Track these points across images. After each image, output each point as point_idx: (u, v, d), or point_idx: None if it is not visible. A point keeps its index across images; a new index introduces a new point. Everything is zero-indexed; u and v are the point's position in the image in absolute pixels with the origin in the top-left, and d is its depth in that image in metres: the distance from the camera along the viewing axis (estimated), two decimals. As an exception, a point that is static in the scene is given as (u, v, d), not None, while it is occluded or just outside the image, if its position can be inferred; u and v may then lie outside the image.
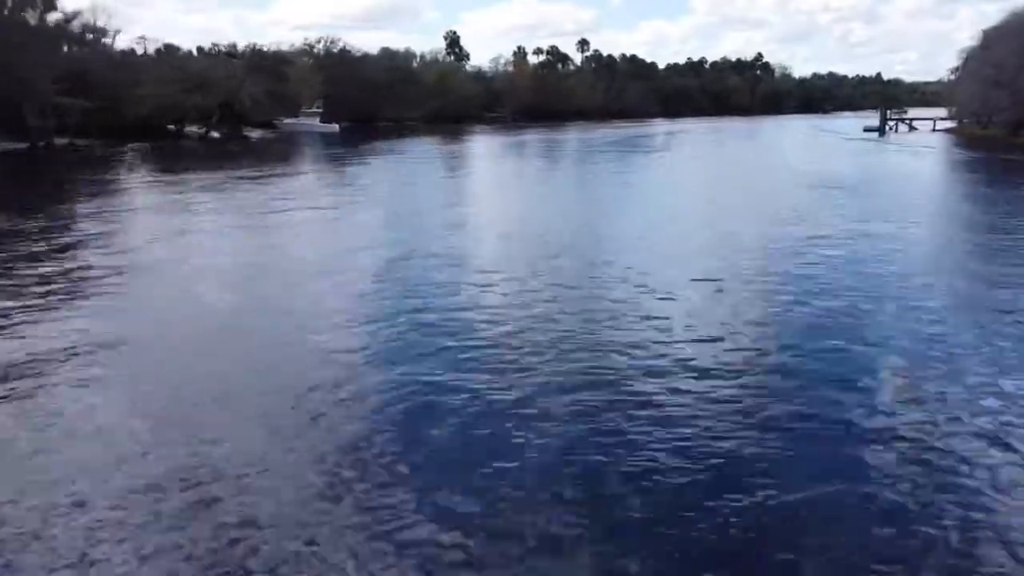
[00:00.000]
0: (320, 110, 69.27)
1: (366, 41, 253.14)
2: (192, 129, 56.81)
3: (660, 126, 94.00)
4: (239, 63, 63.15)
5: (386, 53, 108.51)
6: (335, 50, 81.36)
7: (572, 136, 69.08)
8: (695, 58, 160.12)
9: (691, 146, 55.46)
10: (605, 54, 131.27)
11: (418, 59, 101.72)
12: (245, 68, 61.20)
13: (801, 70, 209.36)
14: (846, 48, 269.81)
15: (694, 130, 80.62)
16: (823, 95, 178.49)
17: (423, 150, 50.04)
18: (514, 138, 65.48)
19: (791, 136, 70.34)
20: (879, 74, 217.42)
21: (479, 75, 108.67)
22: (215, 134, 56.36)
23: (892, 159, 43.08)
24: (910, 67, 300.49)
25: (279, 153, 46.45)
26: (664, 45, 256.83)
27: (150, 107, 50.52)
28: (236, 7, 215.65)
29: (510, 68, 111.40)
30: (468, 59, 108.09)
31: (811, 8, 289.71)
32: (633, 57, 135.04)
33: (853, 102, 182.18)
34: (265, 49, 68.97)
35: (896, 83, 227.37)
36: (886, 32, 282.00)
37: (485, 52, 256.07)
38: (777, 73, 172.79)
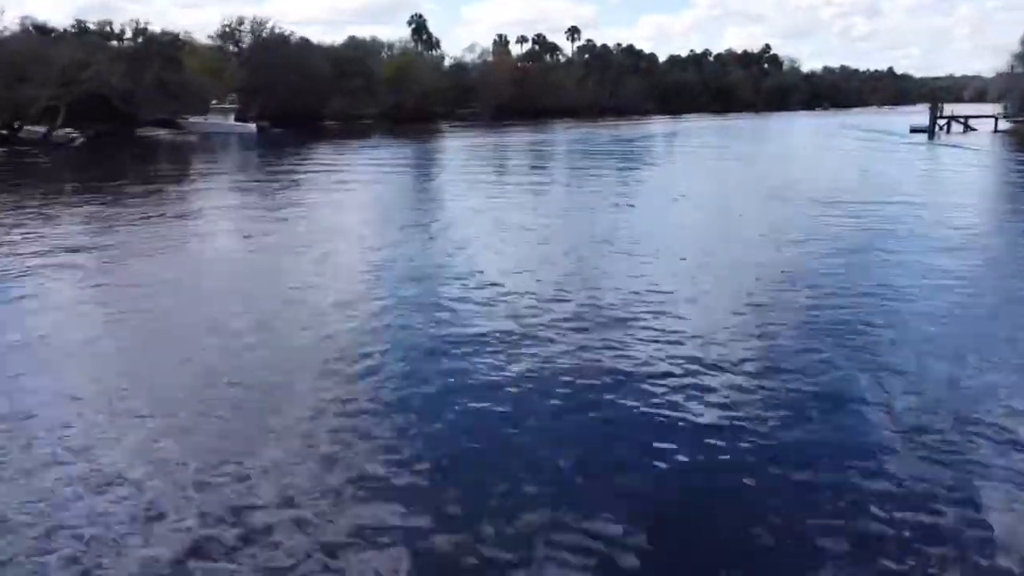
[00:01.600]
0: (236, 106, 56.18)
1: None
2: (34, 129, 43.48)
3: (658, 125, 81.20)
4: (121, 48, 49.96)
5: (351, 42, 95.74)
6: (263, 34, 67.55)
7: (551, 137, 56.19)
8: (698, 51, 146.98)
9: (708, 155, 42.05)
10: (599, 44, 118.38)
11: (386, 49, 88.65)
12: (124, 54, 48.10)
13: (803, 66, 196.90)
14: (848, 43, 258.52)
15: (699, 130, 67.68)
16: (831, 90, 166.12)
17: (369, 156, 37.35)
18: (476, 139, 52.70)
19: (825, 139, 57.07)
20: (891, 68, 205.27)
21: (457, 66, 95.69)
22: (75, 135, 42.96)
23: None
24: (913, 62, 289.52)
25: (117, 167, 33.12)
26: (665, 41, 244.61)
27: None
28: (234, 3, 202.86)
29: (489, 58, 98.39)
30: (437, 47, 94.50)
31: (812, 3, 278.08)
32: (630, 48, 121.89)
33: (862, 97, 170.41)
34: (154, 30, 55.28)
35: (906, 78, 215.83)
36: (888, 27, 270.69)
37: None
38: (785, 66, 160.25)
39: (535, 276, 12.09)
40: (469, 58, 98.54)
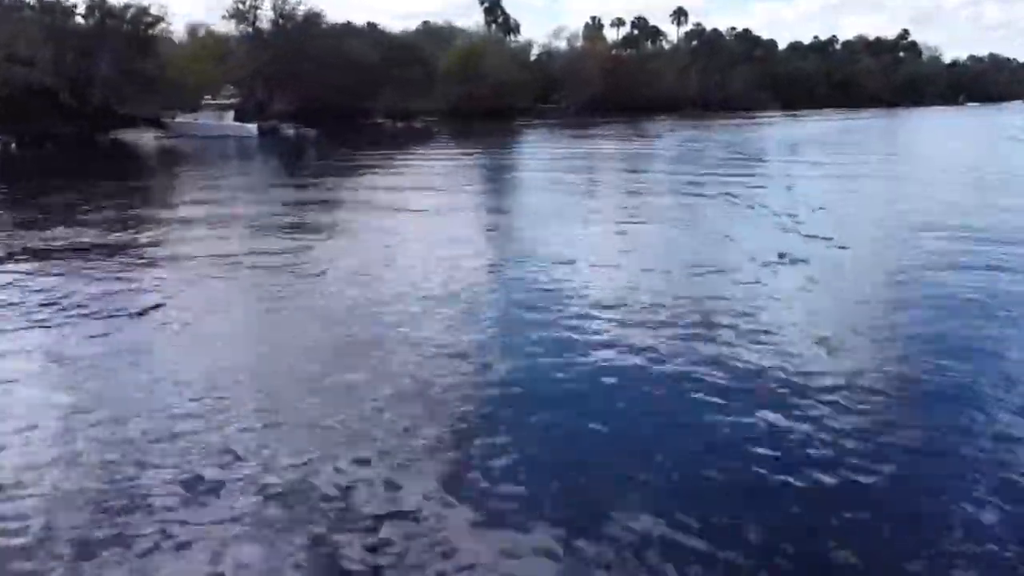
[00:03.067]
0: (234, 101, 45.44)
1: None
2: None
3: (778, 122, 66.63)
4: (74, 27, 39.95)
5: (425, 28, 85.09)
6: (286, 10, 55.22)
7: (652, 145, 43.36)
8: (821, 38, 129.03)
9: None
10: (709, 28, 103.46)
11: (460, 37, 77.37)
12: (76, 34, 38.18)
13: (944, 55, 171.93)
14: (978, 32, 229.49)
15: (847, 133, 52.87)
16: (973, 82, 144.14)
17: (395, 179, 25.17)
18: (556, 146, 40.62)
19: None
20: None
21: (545, 54, 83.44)
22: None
23: None
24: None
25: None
26: (777, 31, 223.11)
27: None
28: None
29: (579, 44, 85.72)
30: (515, 32, 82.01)
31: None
32: (745, 33, 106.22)
33: (1010, 89, 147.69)
34: (115, 3, 42.81)
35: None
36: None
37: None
38: (925, 56, 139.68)
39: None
40: (554, 44, 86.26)
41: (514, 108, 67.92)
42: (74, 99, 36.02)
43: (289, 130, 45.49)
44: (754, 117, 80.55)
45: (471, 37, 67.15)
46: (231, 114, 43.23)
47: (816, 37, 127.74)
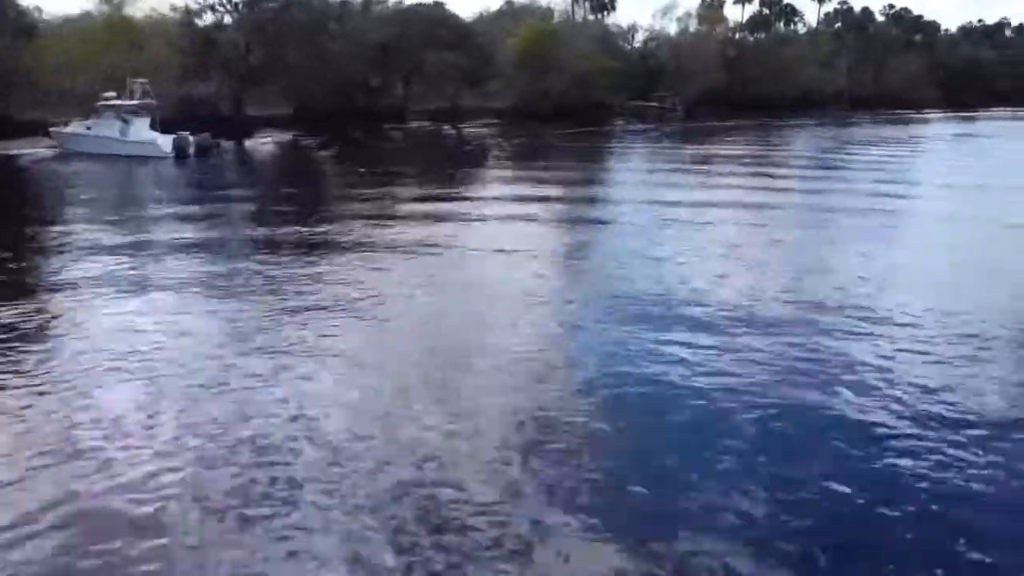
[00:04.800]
0: (152, 102, 28.86)
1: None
2: None
3: (948, 129, 47.32)
4: None
5: (508, 9, 69.13)
6: None
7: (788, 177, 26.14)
8: (988, 20, 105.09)
9: None
10: (858, 8, 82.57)
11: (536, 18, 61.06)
12: None
13: None
14: None
15: None
16: None
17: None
18: (657, 178, 24.11)
19: None
20: None
21: (653, 39, 66.35)
22: None
23: None
24: None
25: None
26: (931, 15, 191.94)
27: None
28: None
29: (693, 27, 67.99)
30: (610, 10, 63.88)
31: None
32: (903, 13, 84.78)
33: None
34: None
35: None
36: None
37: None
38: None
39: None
40: (662, 27, 68.79)
41: (602, 106, 51.42)
42: None
43: (305, 139, 29.79)
44: (927, 118, 61.01)
45: (544, 15, 50.22)
46: (144, 121, 27.53)
47: (981, 20, 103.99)
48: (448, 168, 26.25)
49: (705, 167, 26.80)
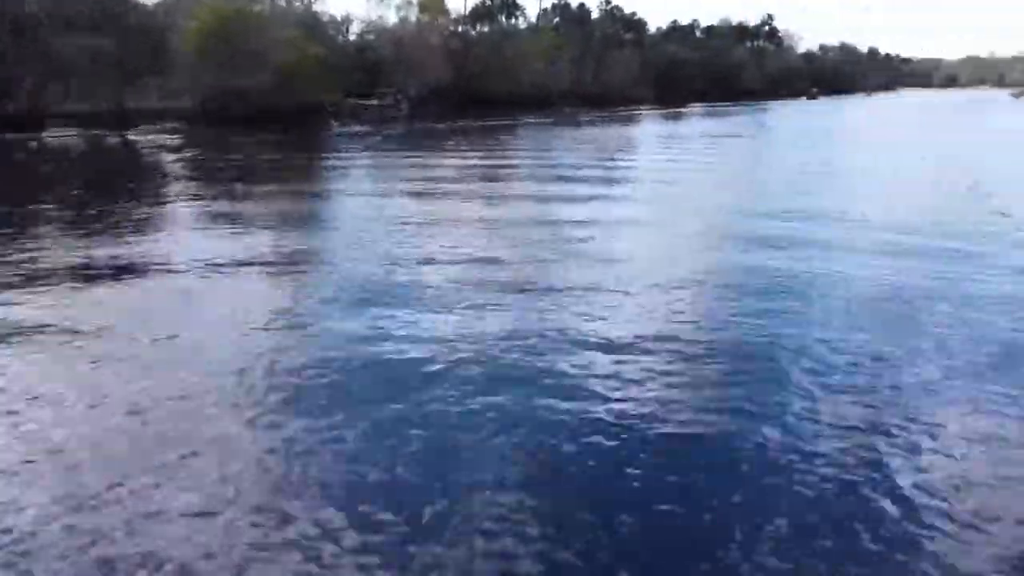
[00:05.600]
0: None
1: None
2: None
3: (658, 121, 47.73)
4: None
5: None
6: None
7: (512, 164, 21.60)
8: (681, 20, 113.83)
9: None
10: (575, 4, 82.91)
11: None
12: None
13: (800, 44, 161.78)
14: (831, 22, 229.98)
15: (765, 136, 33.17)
16: (830, 74, 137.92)
17: None
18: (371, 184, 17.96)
19: None
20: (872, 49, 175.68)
21: (371, 33, 60.07)
22: None
23: None
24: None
25: None
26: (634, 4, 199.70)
27: None
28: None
29: (414, 17, 62.74)
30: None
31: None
32: (615, 11, 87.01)
33: (854, 82, 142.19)
34: None
35: (907, 61, 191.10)
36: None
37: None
38: (785, 44, 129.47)
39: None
40: (378, 18, 62.69)
41: (312, 107, 44.14)
42: None
43: None
44: (632, 113, 61.76)
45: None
46: None
47: (675, 21, 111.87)
48: (87, 203, 17.64)
49: (428, 186, 21.02)
